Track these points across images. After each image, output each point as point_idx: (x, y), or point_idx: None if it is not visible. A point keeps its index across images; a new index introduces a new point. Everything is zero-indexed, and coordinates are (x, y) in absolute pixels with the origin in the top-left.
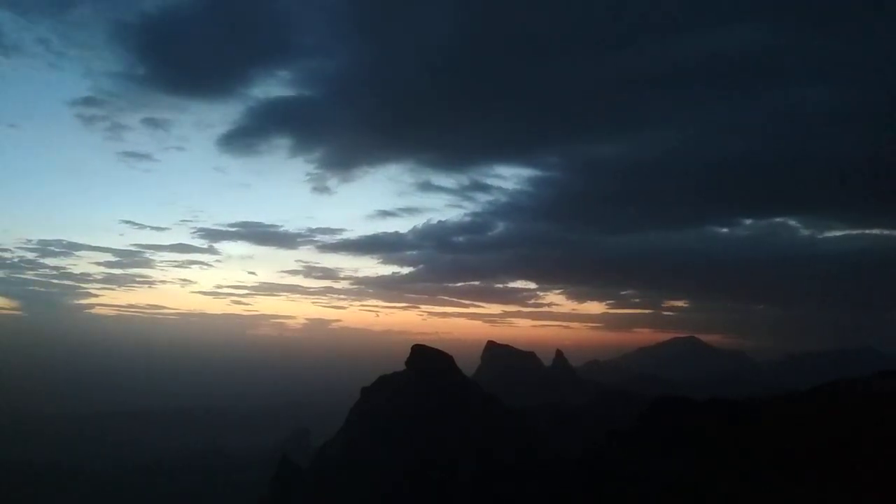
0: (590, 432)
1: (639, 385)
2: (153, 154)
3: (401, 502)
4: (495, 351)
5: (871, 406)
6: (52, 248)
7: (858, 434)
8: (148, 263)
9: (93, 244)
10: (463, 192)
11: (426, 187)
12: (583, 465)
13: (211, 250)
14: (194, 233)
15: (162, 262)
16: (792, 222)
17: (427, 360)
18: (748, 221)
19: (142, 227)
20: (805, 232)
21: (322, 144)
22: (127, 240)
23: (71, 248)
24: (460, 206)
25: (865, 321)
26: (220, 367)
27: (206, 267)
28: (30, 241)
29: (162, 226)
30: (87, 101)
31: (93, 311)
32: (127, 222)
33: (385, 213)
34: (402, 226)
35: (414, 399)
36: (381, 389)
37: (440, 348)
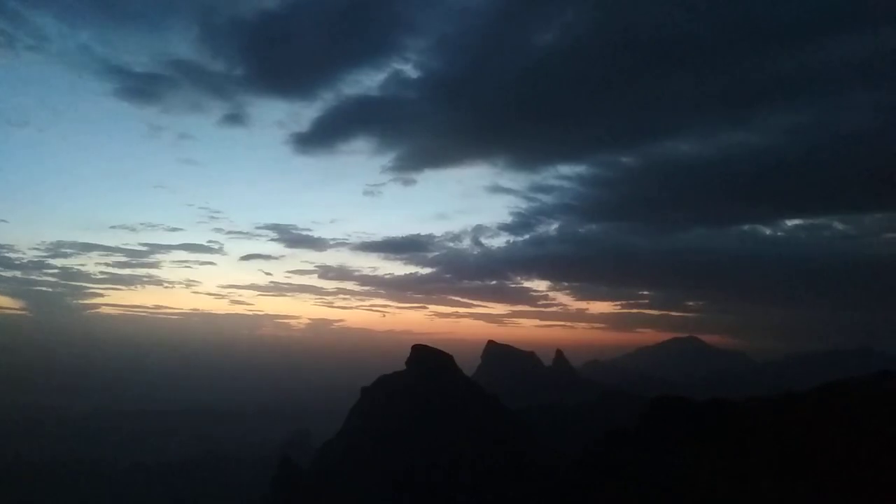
0: (590, 432)
1: (639, 385)
2: (197, 157)
3: (401, 502)
4: (495, 351)
5: (871, 406)
6: (65, 249)
7: (858, 434)
8: (156, 264)
9: (105, 244)
10: (525, 193)
11: (494, 189)
12: (583, 465)
13: (222, 251)
14: (215, 233)
15: (171, 262)
16: (837, 224)
17: (427, 359)
18: (792, 222)
19: (155, 227)
20: (851, 234)
21: (396, 147)
22: (137, 239)
23: (84, 248)
24: (518, 208)
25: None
26: (222, 367)
27: (214, 267)
28: (43, 242)
29: (180, 226)
30: (152, 107)
31: (98, 311)
32: (143, 223)
33: (440, 216)
34: (452, 227)
35: (414, 399)
36: (381, 389)
37: (441, 348)
